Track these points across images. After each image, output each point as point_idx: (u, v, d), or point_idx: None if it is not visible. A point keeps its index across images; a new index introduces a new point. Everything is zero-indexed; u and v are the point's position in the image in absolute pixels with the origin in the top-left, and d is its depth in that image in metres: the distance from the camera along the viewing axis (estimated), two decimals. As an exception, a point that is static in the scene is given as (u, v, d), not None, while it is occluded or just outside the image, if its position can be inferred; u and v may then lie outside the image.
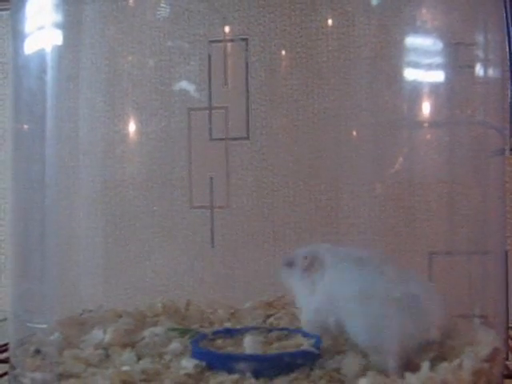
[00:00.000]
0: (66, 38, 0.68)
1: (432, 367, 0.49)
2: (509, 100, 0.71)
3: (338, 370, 0.51)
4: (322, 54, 0.77)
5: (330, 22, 0.75)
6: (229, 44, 0.77)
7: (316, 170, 0.77)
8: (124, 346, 0.57)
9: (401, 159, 0.70)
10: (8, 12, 0.98)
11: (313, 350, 0.53)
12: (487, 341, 0.55)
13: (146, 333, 0.60)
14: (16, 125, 0.66)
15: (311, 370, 0.51)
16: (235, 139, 0.79)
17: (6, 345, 0.65)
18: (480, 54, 0.65)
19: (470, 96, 0.67)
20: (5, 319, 0.67)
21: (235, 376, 0.49)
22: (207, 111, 0.77)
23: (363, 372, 0.50)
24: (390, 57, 0.71)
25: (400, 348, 0.51)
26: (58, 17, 0.66)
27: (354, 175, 0.72)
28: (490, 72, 0.65)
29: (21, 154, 0.65)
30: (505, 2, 0.70)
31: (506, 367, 0.60)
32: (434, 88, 0.69)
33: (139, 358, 0.54)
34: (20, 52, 0.65)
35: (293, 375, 0.49)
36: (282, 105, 0.79)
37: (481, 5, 0.65)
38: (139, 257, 0.79)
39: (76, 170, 0.75)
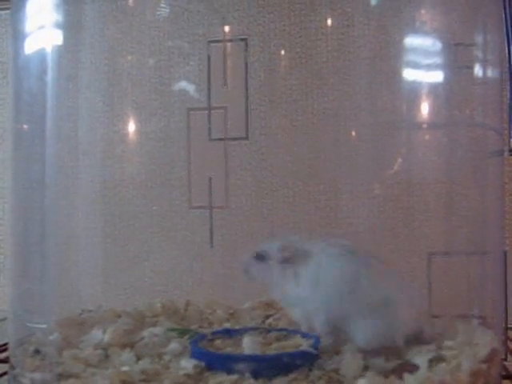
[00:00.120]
0: (65, 37, 0.68)
1: (430, 368, 0.49)
2: (508, 101, 0.71)
3: (336, 371, 0.51)
4: (321, 54, 0.77)
5: (329, 22, 0.75)
6: (228, 44, 0.77)
7: (315, 170, 0.77)
8: (123, 346, 0.57)
9: (400, 160, 0.70)
10: (7, 12, 0.99)
11: (311, 350, 0.53)
12: (485, 341, 0.55)
13: (146, 333, 0.60)
14: (16, 124, 0.66)
15: (310, 370, 0.51)
16: (234, 139, 0.79)
17: (5, 345, 0.65)
18: (479, 54, 0.65)
19: (469, 97, 0.67)
20: (4, 319, 0.67)
21: (234, 376, 0.49)
22: (206, 111, 0.77)
23: (362, 373, 0.50)
24: (390, 57, 0.71)
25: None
26: (58, 17, 0.66)
27: (353, 176, 0.72)
28: (489, 73, 0.65)
29: (20, 153, 0.65)
30: (504, 2, 0.70)
31: (505, 368, 0.60)
32: (433, 88, 0.69)
33: (138, 359, 0.54)
34: (20, 52, 0.65)
35: (292, 376, 0.49)
36: (282, 105, 0.79)
37: (480, 6, 0.65)
38: (138, 257, 0.79)
39: (75, 170, 0.75)
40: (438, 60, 0.69)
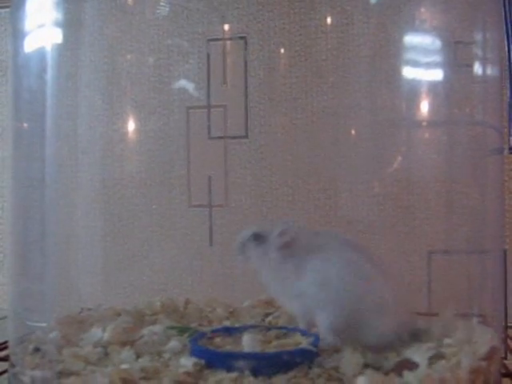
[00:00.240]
0: (65, 36, 0.68)
1: (430, 365, 0.49)
2: (507, 99, 0.71)
3: (336, 369, 0.51)
4: (320, 52, 0.77)
5: (328, 20, 0.75)
6: (228, 42, 0.77)
7: (315, 168, 0.77)
8: (123, 344, 0.57)
9: (399, 158, 0.70)
10: (7, 10, 0.99)
11: (311, 348, 0.53)
12: (485, 339, 0.55)
13: (145, 331, 0.60)
14: (15, 123, 0.66)
15: (310, 368, 0.51)
16: (234, 138, 0.79)
17: (5, 343, 0.65)
18: (479, 52, 0.65)
19: (469, 95, 0.67)
20: (4, 317, 0.67)
21: (234, 374, 0.49)
22: (206, 110, 0.77)
23: (361, 370, 0.50)
24: (389, 55, 0.71)
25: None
26: (57, 15, 0.66)
27: (352, 174, 0.72)
28: (489, 71, 0.65)
29: (20, 152, 0.65)
30: (503, 0, 0.70)
31: (505, 366, 0.60)
32: (433, 87, 0.69)
33: (138, 356, 0.54)
34: (20, 50, 0.65)
35: (291, 373, 0.49)
36: (281, 103, 0.79)
37: (480, 4, 0.65)
38: (138, 255, 0.79)
39: (75, 169, 0.75)
40: (437, 58, 0.69)
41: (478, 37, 0.65)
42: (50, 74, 0.64)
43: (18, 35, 0.65)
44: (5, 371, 0.58)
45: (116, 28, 0.76)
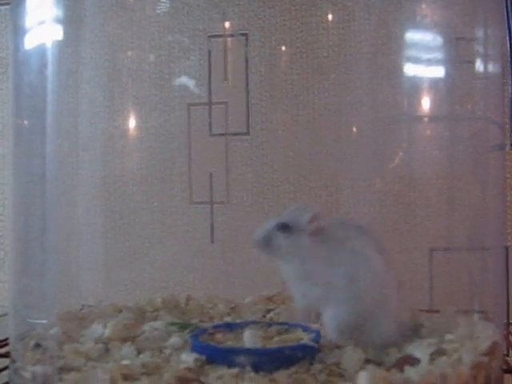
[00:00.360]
0: (66, 32, 0.68)
1: (431, 361, 0.49)
2: (509, 95, 0.71)
3: (337, 364, 0.50)
4: (322, 49, 0.77)
5: (330, 17, 0.75)
6: (229, 39, 0.77)
7: (316, 165, 0.77)
8: (124, 340, 0.57)
9: (401, 155, 0.70)
10: (7, 7, 0.99)
11: (313, 344, 0.53)
12: (486, 335, 0.55)
13: (146, 327, 0.60)
14: (16, 120, 0.66)
15: (311, 363, 0.51)
16: (235, 134, 0.79)
17: (6, 340, 0.65)
18: (480, 49, 0.65)
19: (470, 91, 0.67)
20: (5, 314, 0.67)
21: (235, 370, 0.49)
22: (207, 106, 0.77)
23: (363, 366, 0.50)
24: (391, 52, 0.71)
25: None
26: (58, 11, 0.66)
27: (354, 171, 0.72)
28: (490, 67, 0.65)
29: (21, 149, 0.65)
30: (505, -4, 0.70)
31: (506, 363, 0.60)
32: (434, 83, 0.69)
33: (139, 352, 0.54)
34: (20, 47, 0.65)
35: (293, 369, 0.49)
36: (282, 100, 0.79)
37: (481, 0, 0.65)
38: (139, 252, 0.79)
39: (76, 166, 0.75)
40: (439, 54, 0.69)
41: (480, 33, 0.65)
42: (50, 71, 0.64)
43: (18, 32, 0.65)
44: (6, 367, 0.58)
45: (117, 25, 0.76)
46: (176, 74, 0.77)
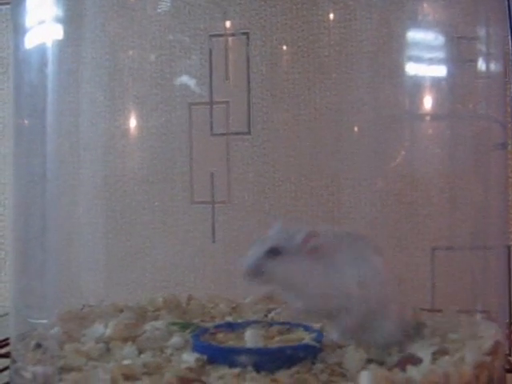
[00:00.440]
0: (66, 32, 0.67)
1: (434, 360, 0.49)
2: (511, 94, 0.71)
3: (339, 364, 0.50)
4: (323, 48, 0.77)
5: (331, 16, 0.74)
6: (230, 38, 0.77)
7: (318, 165, 0.77)
8: (125, 339, 0.57)
9: (403, 154, 0.69)
10: (7, 6, 0.99)
11: (314, 343, 0.52)
12: (489, 334, 0.55)
13: (147, 327, 0.60)
14: (17, 119, 0.66)
15: (313, 363, 0.50)
16: (236, 134, 0.79)
17: (6, 339, 0.65)
18: (482, 48, 0.65)
19: (473, 90, 0.67)
20: (6, 314, 0.67)
21: (236, 369, 0.49)
22: (208, 106, 0.77)
23: (365, 365, 0.49)
24: (392, 51, 0.71)
25: None
26: (58, 11, 0.66)
27: (355, 170, 0.72)
28: (492, 66, 0.65)
29: (21, 148, 0.65)
30: (507, -5, 0.69)
31: (509, 362, 0.59)
32: (436, 82, 0.69)
33: (140, 352, 0.54)
34: (21, 46, 0.64)
35: (294, 369, 0.49)
36: (284, 99, 0.79)
37: (482, -1, 0.65)
38: (140, 252, 0.79)
39: (77, 165, 0.74)
40: (440, 54, 0.68)
41: (482, 32, 0.65)
42: (51, 70, 0.64)
43: (18, 31, 0.65)
44: (6, 367, 0.58)
45: (117, 24, 0.76)
46: (177, 74, 0.77)
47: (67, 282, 0.71)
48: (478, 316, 0.60)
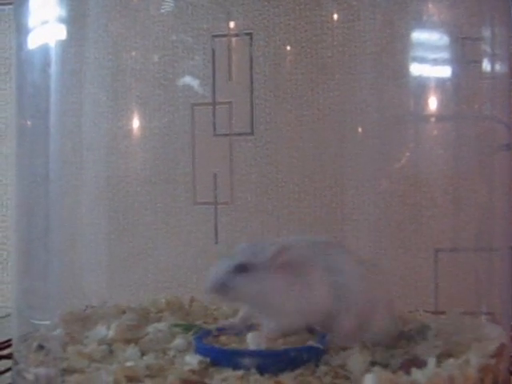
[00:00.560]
0: (69, 32, 0.67)
1: (438, 363, 0.49)
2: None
3: (343, 366, 0.50)
4: (327, 48, 0.76)
5: (335, 16, 0.74)
6: (233, 39, 0.77)
7: (321, 165, 0.76)
8: (128, 341, 0.56)
9: (406, 155, 0.69)
10: (10, 7, 0.99)
11: (318, 345, 0.52)
12: (494, 336, 0.55)
13: (150, 328, 0.60)
14: (19, 120, 0.66)
15: (316, 366, 0.50)
16: (239, 135, 0.78)
17: (8, 341, 0.65)
18: (487, 48, 0.65)
19: (477, 91, 0.67)
20: (8, 315, 0.67)
21: (240, 372, 0.48)
22: (211, 106, 0.77)
23: (369, 368, 0.49)
24: (396, 52, 0.71)
25: None
26: (61, 11, 0.66)
27: (359, 171, 0.72)
28: (497, 67, 0.64)
29: (24, 149, 0.65)
30: (512, -4, 0.69)
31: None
32: (441, 83, 0.68)
33: (143, 354, 0.54)
34: (23, 46, 0.64)
35: (298, 371, 0.49)
36: (287, 100, 0.79)
37: (487, -1, 0.65)
38: (143, 253, 0.78)
39: (79, 166, 0.74)
40: (445, 54, 0.68)
41: (487, 32, 0.65)
42: (53, 71, 0.64)
43: (21, 31, 0.65)
44: (8, 369, 0.58)
45: (120, 24, 0.76)
46: (180, 74, 0.77)
47: (70, 282, 0.71)
48: (483, 318, 0.60)
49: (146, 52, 0.78)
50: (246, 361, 0.49)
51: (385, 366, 0.50)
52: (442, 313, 0.65)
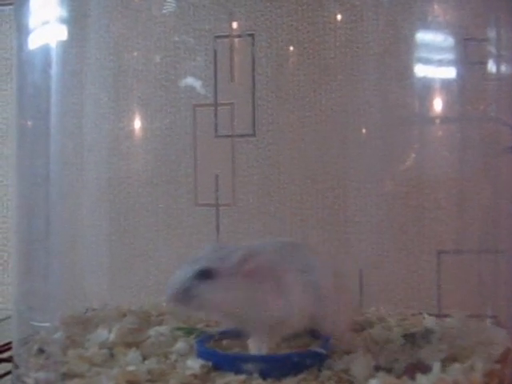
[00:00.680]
0: (70, 33, 0.67)
1: (443, 368, 0.48)
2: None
3: (346, 371, 0.50)
4: (329, 49, 0.76)
5: (337, 17, 0.74)
6: (235, 39, 0.76)
7: (323, 167, 0.76)
8: (129, 345, 0.56)
9: (409, 157, 0.69)
10: (10, 7, 0.98)
11: (321, 350, 0.52)
12: (499, 341, 0.54)
13: (151, 332, 0.59)
14: (20, 121, 0.65)
15: (319, 370, 0.50)
16: (241, 136, 0.78)
17: (8, 343, 0.64)
18: (492, 49, 0.64)
19: (482, 92, 0.66)
20: (8, 318, 0.66)
21: (242, 376, 0.48)
22: (213, 107, 0.77)
23: (372, 373, 0.49)
24: (400, 53, 0.70)
25: None
26: (62, 11, 0.66)
27: (361, 173, 0.71)
28: (503, 68, 0.64)
29: (24, 150, 0.64)
30: (517, -3, 0.69)
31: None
32: (445, 84, 0.68)
33: (144, 358, 0.53)
34: (24, 47, 0.64)
35: (301, 376, 0.48)
36: (289, 101, 0.78)
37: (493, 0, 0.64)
38: (144, 255, 0.78)
39: (80, 167, 0.74)
40: (449, 56, 0.68)
41: (492, 34, 0.65)
42: (54, 71, 0.63)
43: (22, 32, 0.65)
44: (8, 372, 0.57)
45: (122, 25, 0.75)
46: (182, 75, 0.77)
47: (70, 284, 0.71)
48: (487, 321, 0.59)
49: (147, 53, 0.77)
50: (249, 365, 0.49)
51: (388, 370, 0.49)
52: (446, 316, 0.64)
